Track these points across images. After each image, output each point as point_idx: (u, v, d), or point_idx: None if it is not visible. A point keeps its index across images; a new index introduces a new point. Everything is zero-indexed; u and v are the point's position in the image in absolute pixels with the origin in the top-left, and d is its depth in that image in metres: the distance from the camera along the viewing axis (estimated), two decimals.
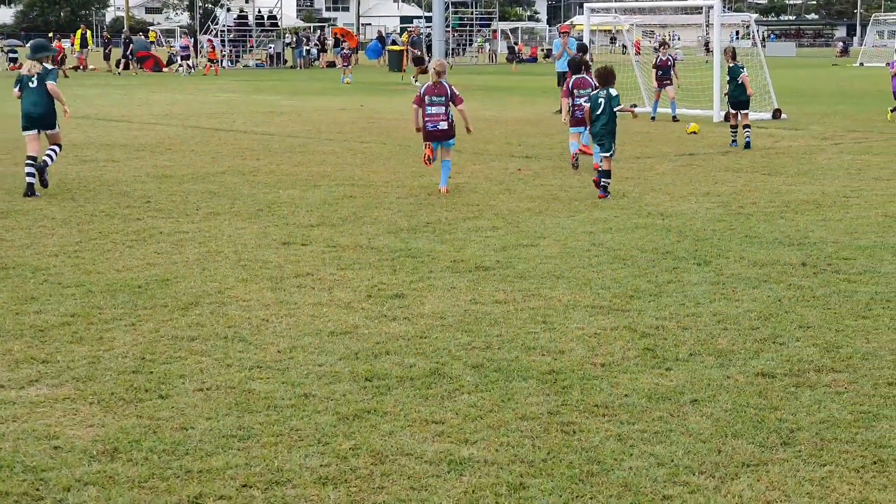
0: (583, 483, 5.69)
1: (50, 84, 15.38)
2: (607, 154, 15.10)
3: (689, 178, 16.99)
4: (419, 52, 49.04)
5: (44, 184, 15.52)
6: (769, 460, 5.96)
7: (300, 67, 65.91)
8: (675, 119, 26.99)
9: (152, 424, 6.49)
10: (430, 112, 15.34)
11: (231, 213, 13.76)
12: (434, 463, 5.94)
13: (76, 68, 59.45)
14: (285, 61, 67.86)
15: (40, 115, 15.42)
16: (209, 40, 60.93)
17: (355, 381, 7.27)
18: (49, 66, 15.85)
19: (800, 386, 7.15)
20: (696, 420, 6.55)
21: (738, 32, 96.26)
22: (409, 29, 69.23)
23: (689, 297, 9.46)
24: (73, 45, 64.05)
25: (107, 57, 61.13)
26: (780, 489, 5.61)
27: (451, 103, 15.47)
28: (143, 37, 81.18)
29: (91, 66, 60.54)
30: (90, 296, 9.49)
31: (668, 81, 27.52)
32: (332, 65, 68.32)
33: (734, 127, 21.58)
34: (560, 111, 20.08)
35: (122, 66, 56.98)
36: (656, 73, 27.93)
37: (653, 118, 27.34)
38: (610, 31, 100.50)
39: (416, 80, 44.63)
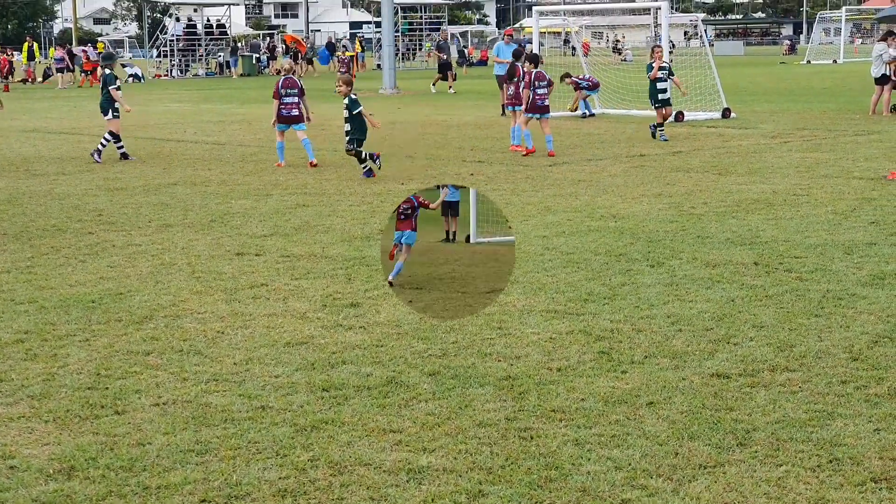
0: (541, 489, 5.71)
1: None
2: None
3: (640, 179, 17.08)
4: (445, 57, 48.50)
5: None
6: (726, 461, 6.01)
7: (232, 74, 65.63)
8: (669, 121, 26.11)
9: (109, 441, 6.46)
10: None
11: (184, 225, 13.71)
12: (393, 472, 5.94)
13: (24, 81, 58.92)
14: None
15: None
16: (83, 51, 59.95)
17: (312, 391, 7.26)
18: None
19: (754, 386, 7.21)
20: (652, 423, 6.59)
21: (686, 32, 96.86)
22: (439, 31, 69.22)
23: (643, 299, 9.52)
24: (22, 57, 63.34)
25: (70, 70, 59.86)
26: (737, 490, 5.66)
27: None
28: (91, 48, 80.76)
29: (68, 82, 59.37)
30: (43, 312, 9.43)
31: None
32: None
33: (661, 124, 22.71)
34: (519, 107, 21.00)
35: (61, 80, 55.23)
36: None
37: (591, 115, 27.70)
38: (560, 32, 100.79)
39: (434, 87, 44.60)
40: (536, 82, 20.45)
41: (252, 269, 11.07)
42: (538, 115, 20.50)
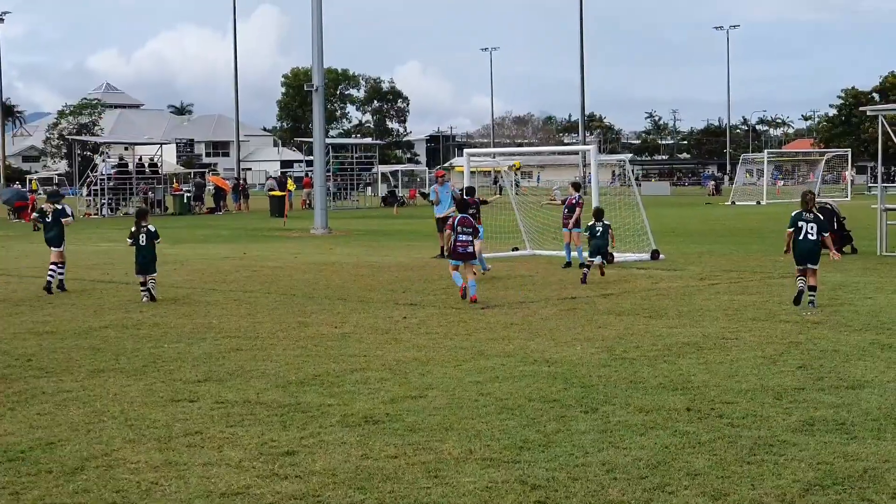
0: None
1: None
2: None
3: (572, 322, 17.24)
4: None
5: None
6: None
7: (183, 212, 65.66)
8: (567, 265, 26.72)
9: None
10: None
11: (116, 370, 13.60)
12: None
13: None
14: (166, 208, 67.60)
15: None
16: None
17: None
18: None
19: None
20: None
21: (613, 172, 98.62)
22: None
23: (577, 446, 9.57)
24: None
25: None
26: None
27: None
28: (18, 186, 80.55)
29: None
30: None
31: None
32: (212, 211, 68.32)
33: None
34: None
35: None
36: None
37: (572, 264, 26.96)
38: (490, 171, 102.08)
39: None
40: (460, 227, 20.44)
41: (186, 416, 10.99)
42: (461, 262, 20.42)
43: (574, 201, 26.92)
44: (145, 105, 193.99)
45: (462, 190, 28.13)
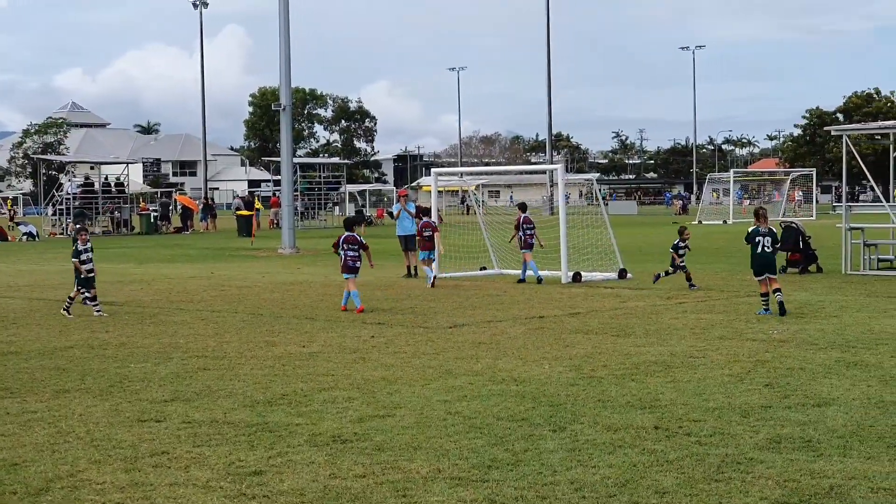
0: None
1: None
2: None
3: (540, 341, 17.26)
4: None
5: None
6: None
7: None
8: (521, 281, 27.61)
9: None
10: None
11: (81, 390, 13.51)
12: None
13: None
14: (133, 228, 67.31)
15: None
16: None
17: None
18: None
19: None
20: None
21: (581, 192, 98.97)
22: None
23: (546, 465, 9.56)
24: None
25: None
26: None
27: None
28: None
29: None
30: None
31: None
32: (179, 230, 68.06)
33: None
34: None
35: None
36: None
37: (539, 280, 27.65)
38: (457, 191, 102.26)
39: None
40: (346, 245, 22.01)
41: (153, 436, 10.93)
42: (347, 276, 21.96)
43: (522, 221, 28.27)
44: (112, 124, 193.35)
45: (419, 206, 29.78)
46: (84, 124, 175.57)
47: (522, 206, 29.36)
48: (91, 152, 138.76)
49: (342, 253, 22.08)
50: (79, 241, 22.03)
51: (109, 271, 34.02)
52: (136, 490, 8.98)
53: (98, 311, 21.38)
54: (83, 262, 21.78)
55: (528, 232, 27.73)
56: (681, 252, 25.74)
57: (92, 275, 21.87)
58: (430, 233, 27.68)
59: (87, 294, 21.72)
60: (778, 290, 20.22)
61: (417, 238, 28.46)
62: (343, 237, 22.22)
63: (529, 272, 27.70)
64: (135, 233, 66.49)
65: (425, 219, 28.59)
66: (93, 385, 13.87)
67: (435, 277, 27.19)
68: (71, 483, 9.22)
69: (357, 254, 22.05)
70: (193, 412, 12.05)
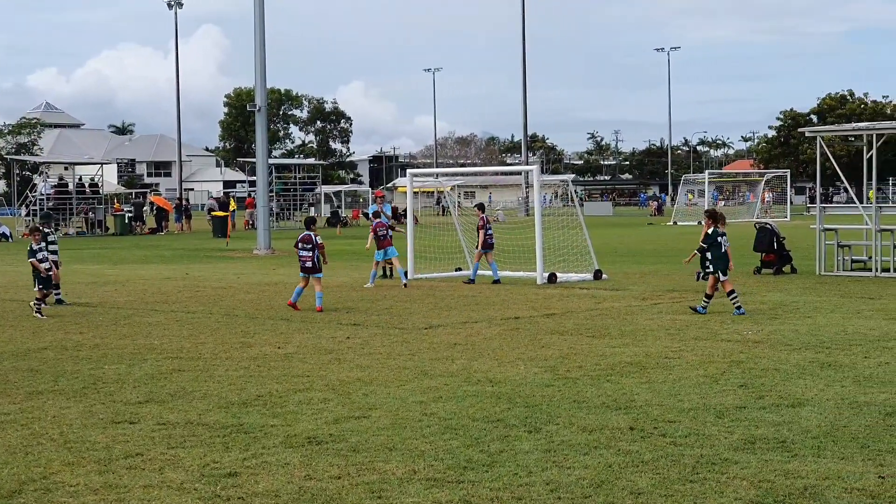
0: None
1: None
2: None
3: (515, 342, 17.26)
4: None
5: None
6: None
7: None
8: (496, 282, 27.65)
9: None
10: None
11: (54, 392, 13.44)
12: None
13: None
14: (107, 228, 67.04)
15: None
16: None
17: None
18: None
19: None
20: None
21: (556, 193, 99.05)
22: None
23: (521, 465, 9.56)
24: None
25: None
26: None
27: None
28: None
29: None
30: None
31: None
32: (154, 231, 67.82)
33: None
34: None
35: None
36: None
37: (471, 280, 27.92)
38: (433, 192, 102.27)
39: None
40: (300, 244, 22.10)
41: (127, 437, 10.88)
42: (306, 276, 22.11)
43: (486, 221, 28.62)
44: (86, 125, 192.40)
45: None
46: (58, 125, 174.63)
47: (481, 207, 29.73)
48: (65, 153, 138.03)
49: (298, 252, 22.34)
50: (32, 242, 22.04)
51: (83, 272, 33.89)
52: (109, 492, 8.94)
53: (38, 311, 21.40)
54: (41, 262, 21.83)
55: (489, 231, 27.97)
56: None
57: (50, 273, 22.02)
58: (385, 232, 27.53)
59: (57, 294, 21.75)
60: (733, 291, 20.80)
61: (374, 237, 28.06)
62: (300, 237, 22.35)
63: (488, 272, 28.16)
64: (109, 233, 66.22)
65: (376, 220, 28.08)
66: (66, 387, 13.80)
67: (406, 274, 27.63)
68: (44, 485, 9.17)
69: (310, 253, 22.03)
70: (168, 414, 12.00)
